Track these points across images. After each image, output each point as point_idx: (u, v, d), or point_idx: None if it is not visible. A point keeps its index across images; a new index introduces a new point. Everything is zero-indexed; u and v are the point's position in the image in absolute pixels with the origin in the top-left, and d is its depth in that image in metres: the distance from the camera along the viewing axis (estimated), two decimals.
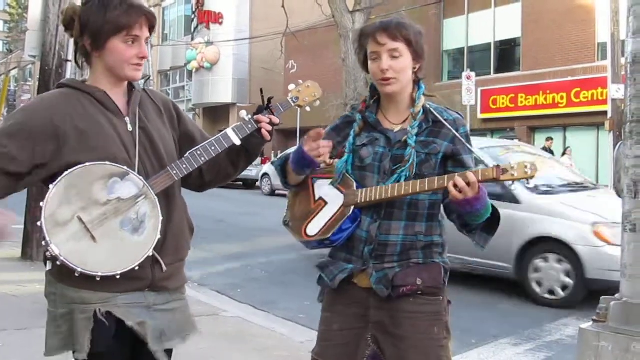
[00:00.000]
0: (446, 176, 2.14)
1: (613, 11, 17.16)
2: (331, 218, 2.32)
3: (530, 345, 5.33)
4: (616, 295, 3.09)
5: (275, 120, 2.31)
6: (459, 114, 2.37)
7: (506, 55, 24.15)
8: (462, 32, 24.61)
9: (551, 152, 19.60)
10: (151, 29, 2.17)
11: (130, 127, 2.16)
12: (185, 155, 2.18)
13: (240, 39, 34.05)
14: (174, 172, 2.14)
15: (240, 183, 24.80)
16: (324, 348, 2.37)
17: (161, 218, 2.08)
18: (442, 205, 2.33)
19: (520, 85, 22.13)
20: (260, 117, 2.29)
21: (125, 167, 2.06)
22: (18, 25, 56.92)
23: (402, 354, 2.23)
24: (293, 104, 2.42)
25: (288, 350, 4.74)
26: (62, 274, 2.05)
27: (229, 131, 2.26)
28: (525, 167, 2.04)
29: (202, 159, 2.19)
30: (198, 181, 2.38)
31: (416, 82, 2.36)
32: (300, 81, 2.46)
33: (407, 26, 2.29)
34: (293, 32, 22.39)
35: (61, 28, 7.91)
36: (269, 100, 2.35)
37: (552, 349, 5.26)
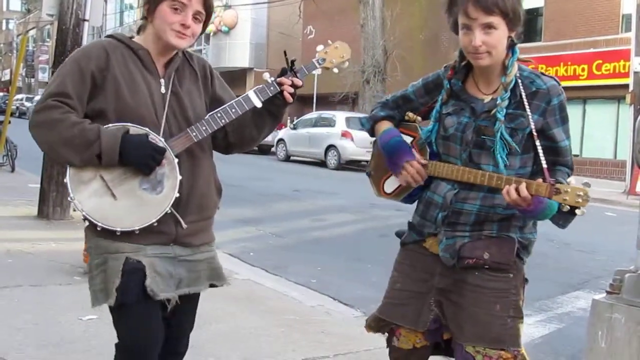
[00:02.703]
0: (504, 178, 2.06)
1: None
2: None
3: (541, 316, 5.33)
4: (631, 268, 3.07)
5: (298, 82, 2.28)
6: (555, 80, 2.18)
7: (528, 25, 23.67)
8: None
9: None
10: (206, 7, 2.21)
11: (163, 89, 2.23)
12: (206, 117, 2.22)
13: (258, 2, 33.74)
14: (194, 134, 2.19)
15: (256, 148, 24.81)
16: (385, 306, 2.38)
17: (179, 178, 2.15)
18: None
19: (541, 56, 21.77)
20: (282, 79, 2.27)
21: (146, 129, 2.13)
22: None
23: (460, 323, 2.20)
24: (319, 66, 2.39)
25: (299, 314, 4.77)
26: (95, 229, 2.15)
27: (251, 93, 2.27)
28: (578, 195, 1.91)
29: (222, 121, 2.23)
30: (223, 143, 2.43)
31: (510, 47, 2.17)
32: (330, 41, 2.42)
33: None
34: None
35: None
36: (292, 62, 2.32)
37: (562, 320, 5.25)
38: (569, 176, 2.15)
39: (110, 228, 2.11)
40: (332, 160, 20.14)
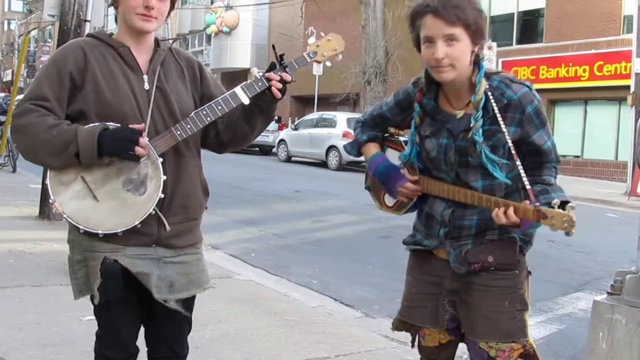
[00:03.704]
0: (493, 200, 2.06)
1: None
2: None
3: (542, 317, 5.32)
4: (632, 269, 3.07)
5: (287, 77, 2.20)
6: (526, 86, 2.13)
7: (529, 26, 23.74)
8: (485, 1, 24.21)
9: None
10: None
11: (147, 86, 2.17)
12: (190, 115, 2.16)
13: (260, 3, 33.75)
14: (178, 132, 2.14)
15: (257, 149, 24.84)
16: (405, 309, 2.43)
17: (163, 178, 2.11)
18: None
19: (542, 57, 21.81)
20: (270, 74, 2.19)
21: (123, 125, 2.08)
22: None
23: (472, 321, 2.25)
24: (309, 60, 2.31)
25: (300, 315, 4.77)
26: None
27: (238, 90, 2.20)
28: (564, 220, 1.89)
29: (208, 118, 2.16)
30: (215, 141, 2.36)
31: (476, 63, 2.12)
32: (322, 34, 2.34)
33: (464, 5, 2.04)
34: None
35: None
36: (281, 56, 2.23)
37: (563, 321, 5.25)
38: (555, 170, 2.20)
39: (92, 231, 2.09)
40: (333, 161, 20.14)
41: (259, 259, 6.91)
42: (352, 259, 7.12)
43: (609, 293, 3.09)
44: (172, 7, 2.22)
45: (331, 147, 20.14)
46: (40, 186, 8.09)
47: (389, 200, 2.47)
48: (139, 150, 2.04)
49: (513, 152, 2.09)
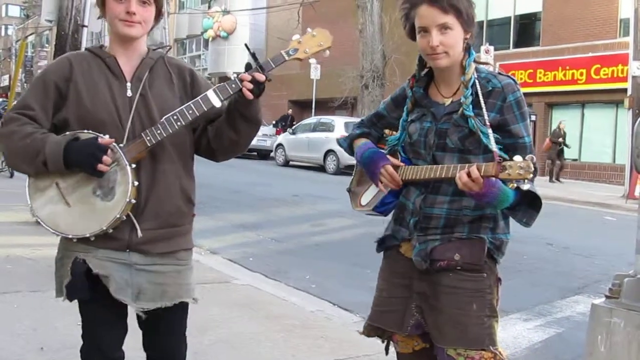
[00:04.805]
0: (459, 166, 2.09)
1: None
2: (378, 192, 2.38)
3: (541, 321, 5.33)
4: (630, 272, 3.07)
5: (260, 77, 2.13)
6: (511, 79, 2.23)
7: (526, 29, 23.80)
8: (481, 4, 24.24)
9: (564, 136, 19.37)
10: None
11: (130, 93, 2.20)
12: (161, 120, 2.15)
13: (257, 7, 33.78)
14: (148, 138, 2.14)
15: (255, 153, 24.84)
16: (375, 313, 2.43)
17: (133, 183, 2.12)
18: None
19: (539, 61, 21.85)
20: (243, 75, 2.14)
21: (97, 134, 2.11)
22: None
23: (440, 327, 2.24)
24: (287, 58, 2.21)
25: (298, 319, 4.77)
26: None
27: (209, 92, 2.17)
28: (520, 167, 1.93)
29: (178, 123, 2.14)
30: (207, 149, 2.35)
31: (466, 49, 2.24)
32: (309, 29, 2.23)
33: None
34: (310, 1, 22.18)
35: None
36: (254, 55, 2.17)
37: (562, 325, 5.25)
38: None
39: (63, 235, 2.18)
40: (331, 165, 20.13)
41: (257, 263, 6.91)
42: (350, 263, 7.11)
43: (607, 296, 3.09)
44: (158, 13, 2.25)
45: (329, 152, 20.13)
46: None
47: (365, 199, 2.48)
48: (101, 167, 2.08)
49: (489, 130, 2.11)
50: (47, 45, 53.53)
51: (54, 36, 9.79)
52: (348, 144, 2.57)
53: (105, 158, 2.07)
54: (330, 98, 26.10)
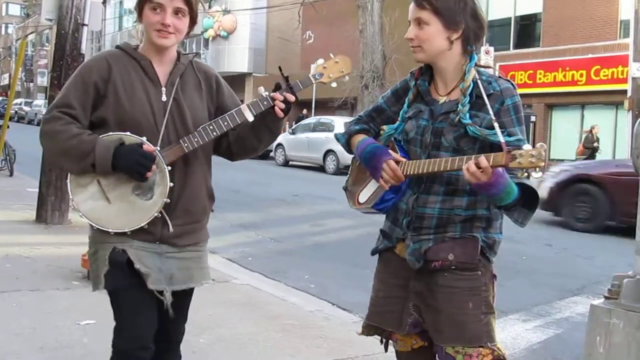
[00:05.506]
0: (465, 157, 2.08)
1: None
2: (377, 188, 2.38)
3: (539, 321, 5.33)
4: (629, 273, 3.07)
5: (291, 98, 2.35)
6: (511, 83, 2.25)
7: (526, 30, 23.81)
8: (482, 5, 24.19)
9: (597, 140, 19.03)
10: (187, 1, 2.29)
11: (164, 97, 2.34)
12: (198, 129, 2.33)
13: (257, 7, 33.79)
14: (186, 145, 2.31)
15: None
16: (372, 314, 2.45)
17: (170, 185, 2.28)
18: None
19: (539, 62, 21.86)
20: (275, 94, 2.34)
21: (142, 138, 2.25)
22: None
23: (438, 326, 2.25)
24: (314, 81, 2.45)
25: (298, 319, 4.77)
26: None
27: (244, 107, 2.37)
28: (532, 155, 1.92)
29: (214, 133, 2.33)
30: (227, 151, 2.56)
31: (468, 54, 2.25)
32: (331, 55, 2.47)
33: None
34: (311, 1, 22.19)
35: None
36: (287, 78, 2.39)
37: (561, 325, 5.25)
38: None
39: (103, 229, 2.30)
40: (330, 165, 20.14)
41: (256, 263, 6.91)
42: (350, 263, 7.11)
43: (606, 297, 3.09)
44: (192, 22, 2.37)
45: (329, 152, 20.13)
46: (37, 190, 8.09)
47: (363, 196, 2.46)
48: (148, 175, 2.24)
49: (496, 124, 2.10)
50: (47, 44, 53.54)
51: (54, 35, 9.80)
52: (346, 139, 2.57)
53: (153, 167, 2.23)
54: (330, 98, 26.09)
